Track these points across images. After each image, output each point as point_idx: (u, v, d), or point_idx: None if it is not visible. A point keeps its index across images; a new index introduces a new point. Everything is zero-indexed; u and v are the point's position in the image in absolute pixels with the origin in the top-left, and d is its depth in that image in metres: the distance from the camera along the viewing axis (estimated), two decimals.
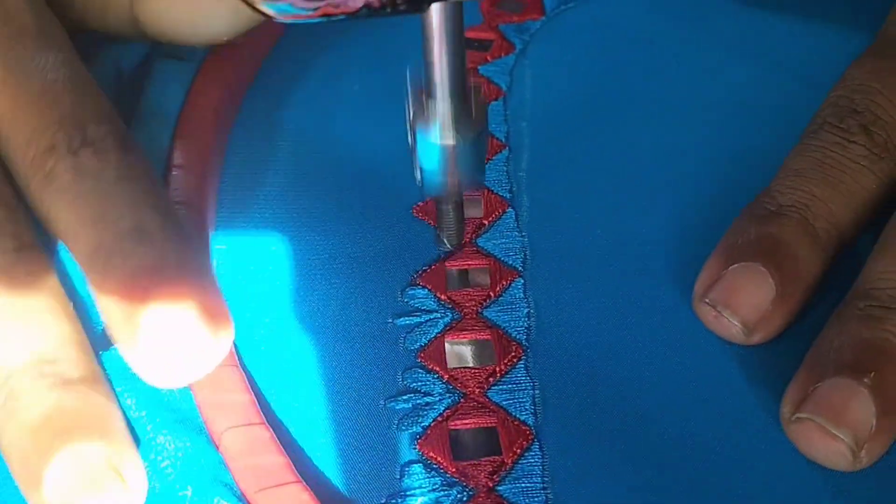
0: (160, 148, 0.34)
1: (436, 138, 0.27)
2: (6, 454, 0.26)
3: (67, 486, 0.24)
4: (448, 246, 0.31)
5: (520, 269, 0.32)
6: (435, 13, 0.25)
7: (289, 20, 0.24)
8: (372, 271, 0.32)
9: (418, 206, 0.34)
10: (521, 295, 0.32)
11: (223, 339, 0.25)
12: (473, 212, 0.34)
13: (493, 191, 0.35)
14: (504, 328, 0.31)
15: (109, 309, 0.26)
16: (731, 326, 0.29)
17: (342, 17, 0.23)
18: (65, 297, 0.28)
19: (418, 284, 0.32)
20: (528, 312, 0.31)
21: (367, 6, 0.23)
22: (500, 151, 0.36)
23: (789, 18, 0.42)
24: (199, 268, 0.27)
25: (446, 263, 0.32)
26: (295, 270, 0.33)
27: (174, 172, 0.32)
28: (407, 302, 0.32)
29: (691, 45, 0.41)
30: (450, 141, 0.27)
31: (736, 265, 0.30)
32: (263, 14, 0.24)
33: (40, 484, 0.24)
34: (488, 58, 0.40)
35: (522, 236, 0.33)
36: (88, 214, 0.27)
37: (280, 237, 0.34)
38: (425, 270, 0.32)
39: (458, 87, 0.26)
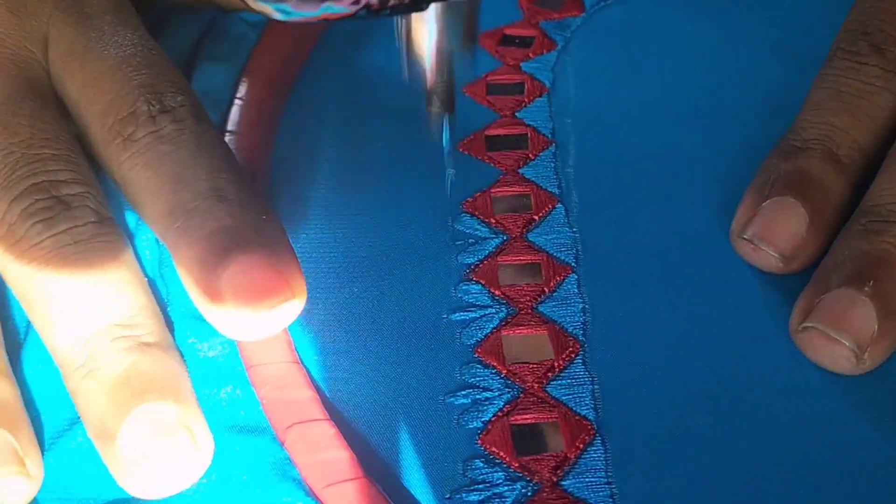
0: None
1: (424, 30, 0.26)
2: (84, 411, 0.27)
3: (142, 442, 0.25)
4: (438, 108, 0.29)
5: (573, 264, 0.32)
6: (435, 13, 0.25)
7: (288, 19, 0.24)
8: (425, 267, 0.32)
9: (468, 201, 0.34)
10: (576, 290, 0.32)
11: (298, 300, 0.27)
12: (523, 207, 0.34)
13: (541, 186, 0.35)
14: (560, 323, 0.31)
15: (187, 266, 0.27)
16: (769, 257, 0.31)
17: (341, 13, 0.24)
18: (139, 269, 0.29)
19: (472, 280, 0.32)
20: (584, 308, 0.31)
21: (367, 6, 0.23)
22: (547, 147, 0.36)
23: (828, 18, 0.42)
24: (274, 231, 0.28)
25: (499, 259, 0.32)
26: (347, 267, 0.33)
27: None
28: (461, 297, 0.32)
29: (729, 41, 0.41)
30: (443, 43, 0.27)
31: (768, 201, 0.31)
32: (262, 13, 0.24)
33: (115, 439, 0.25)
34: (530, 55, 0.40)
35: (574, 231, 0.33)
36: (168, 175, 0.28)
37: (330, 234, 0.34)
38: (478, 266, 0.32)
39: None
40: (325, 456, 0.27)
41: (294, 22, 0.24)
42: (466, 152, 0.36)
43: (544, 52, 0.40)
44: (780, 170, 0.32)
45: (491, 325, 0.31)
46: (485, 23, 0.31)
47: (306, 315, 0.30)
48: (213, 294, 0.27)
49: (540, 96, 0.38)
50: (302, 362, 0.29)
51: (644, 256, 0.33)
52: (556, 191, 0.35)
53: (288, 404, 0.28)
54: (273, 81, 0.38)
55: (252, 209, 0.28)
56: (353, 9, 0.23)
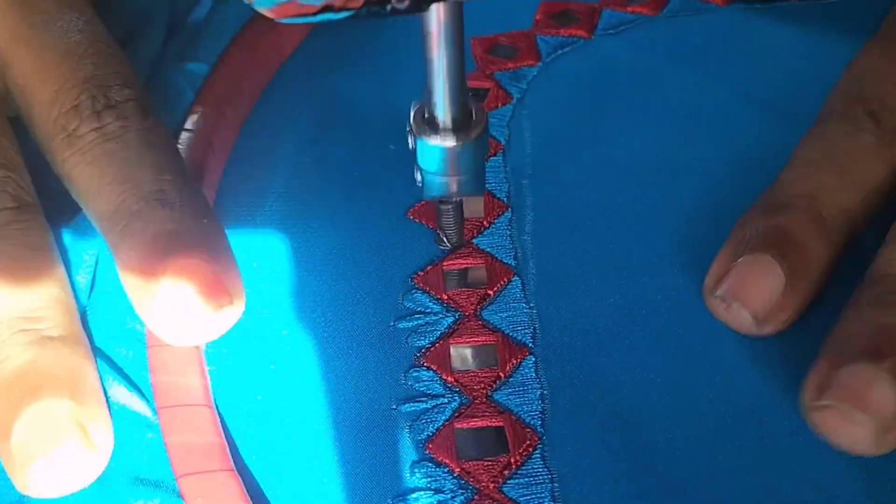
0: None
1: (436, 140, 0.27)
2: None
3: (32, 439, 0.25)
4: (448, 245, 0.32)
5: (530, 344, 0.31)
6: (434, 13, 0.25)
7: (286, 18, 0.23)
8: (373, 351, 0.31)
9: (419, 275, 0.32)
10: (533, 374, 0.30)
11: (236, 306, 0.27)
12: (476, 280, 0.32)
13: (497, 258, 0.33)
14: (517, 413, 0.29)
15: (128, 269, 0.27)
16: (742, 318, 0.29)
17: (342, 16, 0.23)
18: (56, 259, 0.29)
19: (423, 365, 0.30)
20: (542, 394, 0.29)
21: (367, 5, 0.23)
22: (503, 213, 0.34)
23: (785, 55, 0.40)
24: (215, 236, 0.28)
25: (451, 340, 0.30)
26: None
27: (182, 136, 0.34)
28: (411, 385, 0.30)
29: (692, 89, 0.39)
30: (450, 143, 0.27)
31: (744, 257, 0.29)
32: (260, 12, 0.23)
33: (9, 435, 0.25)
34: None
35: (531, 307, 0.31)
36: (112, 176, 0.28)
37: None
38: (429, 349, 0.30)
39: (458, 89, 0.26)
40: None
41: (293, 21, 0.23)
42: (416, 220, 0.34)
43: (499, 105, 0.38)
44: (759, 225, 0.30)
45: (443, 418, 0.29)
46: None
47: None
48: (152, 297, 0.26)
49: (495, 155, 0.36)
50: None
51: (607, 332, 0.31)
52: (513, 262, 0.33)
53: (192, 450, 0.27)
54: (240, 81, 0.37)
55: (194, 213, 0.28)
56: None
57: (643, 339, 0.30)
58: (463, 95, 0.27)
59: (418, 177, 0.29)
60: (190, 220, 0.27)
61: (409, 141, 0.29)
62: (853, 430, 0.26)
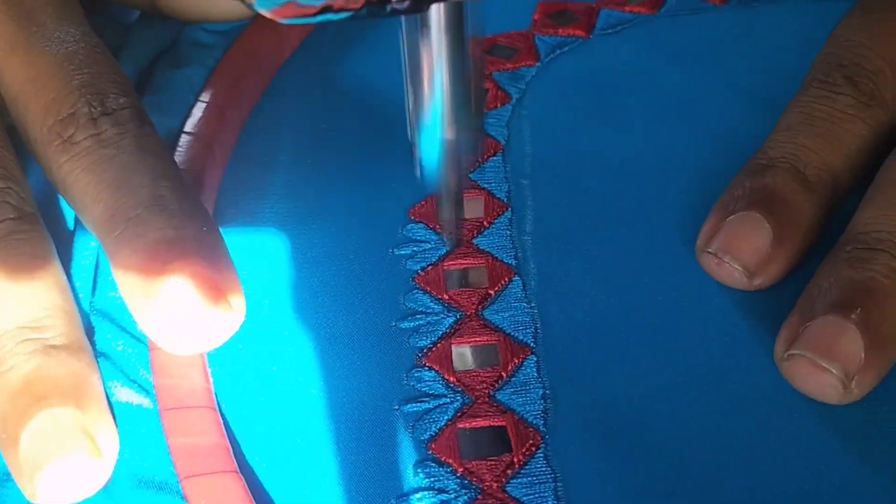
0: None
1: (436, 133, 0.27)
2: None
3: (40, 447, 0.25)
4: (448, 244, 0.32)
5: (531, 344, 0.31)
6: (435, 13, 0.25)
7: (286, 19, 0.23)
8: (374, 351, 0.31)
9: (419, 275, 0.32)
10: (535, 374, 0.30)
11: (236, 313, 0.27)
12: (477, 280, 0.32)
13: (497, 258, 0.33)
14: (519, 412, 0.29)
15: (126, 276, 0.27)
16: (733, 271, 0.31)
17: (342, 16, 0.23)
18: (58, 268, 0.29)
19: (424, 365, 0.30)
20: (544, 394, 0.29)
21: (367, 5, 0.23)
22: (503, 213, 0.34)
23: (784, 52, 0.40)
24: (214, 242, 0.28)
25: (453, 340, 0.30)
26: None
27: (182, 139, 0.34)
28: (413, 386, 0.30)
29: (690, 87, 0.39)
30: (451, 135, 0.27)
31: (733, 216, 0.31)
32: (259, 13, 0.23)
33: (17, 444, 0.25)
34: (484, 109, 0.38)
35: (532, 307, 0.31)
36: (109, 181, 0.28)
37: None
38: (431, 349, 0.30)
39: (459, 82, 0.26)
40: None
41: (293, 21, 0.23)
42: (417, 219, 0.34)
43: (498, 105, 0.38)
44: (746, 186, 0.32)
45: (445, 418, 0.29)
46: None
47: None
48: (151, 305, 0.26)
49: (494, 155, 0.36)
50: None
51: (609, 331, 0.31)
52: (513, 262, 0.33)
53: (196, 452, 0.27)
54: (240, 83, 0.37)
55: (193, 219, 0.28)
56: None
57: (646, 338, 0.31)
58: (464, 87, 0.27)
59: (418, 171, 0.29)
60: (189, 226, 0.27)
61: (409, 134, 0.28)
62: (821, 377, 0.28)
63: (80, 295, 0.31)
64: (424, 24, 0.25)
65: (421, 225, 0.34)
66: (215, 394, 0.29)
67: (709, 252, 0.31)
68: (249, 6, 0.23)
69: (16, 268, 0.27)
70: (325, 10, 0.23)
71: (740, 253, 0.31)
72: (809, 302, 0.29)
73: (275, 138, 0.37)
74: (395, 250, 0.33)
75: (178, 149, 0.34)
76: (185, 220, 0.27)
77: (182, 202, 0.28)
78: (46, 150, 0.29)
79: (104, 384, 0.28)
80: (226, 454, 0.27)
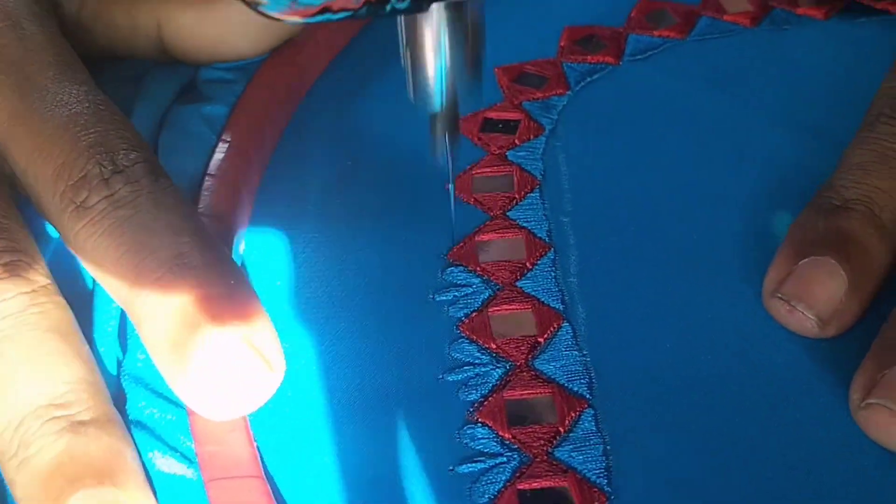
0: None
1: (430, 55, 0.26)
2: None
3: None
4: (440, 160, 0.30)
5: (587, 396, 0.29)
6: (435, 14, 0.25)
7: (286, 19, 0.23)
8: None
9: (464, 322, 0.31)
10: (594, 428, 0.28)
11: (277, 372, 0.26)
12: (525, 327, 0.31)
13: (543, 302, 0.31)
14: (581, 471, 0.27)
15: (156, 344, 0.26)
16: (805, 320, 0.30)
17: (342, 16, 0.23)
18: (79, 338, 0.28)
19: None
20: (605, 450, 0.28)
21: (367, 4, 0.23)
22: (546, 254, 0.33)
23: (820, 78, 0.39)
24: (245, 296, 0.26)
25: (505, 394, 0.29)
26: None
27: (206, 182, 0.32)
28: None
29: (724, 109, 0.38)
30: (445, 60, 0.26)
31: (807, 259, 0.30)
32: (259, 13, 0.23)
33: None
34: (516, 141, 0.37)
35: (584, 355, 0.30)
36: (126, 245, 0.27)
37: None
38: (482, 403, 0.29)
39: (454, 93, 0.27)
40: None
41: (292, 22, 0.23)
42: (456, 261, 0.33)
43: (531, 137, 0.37)
44: (819, 228, 0.30)
45: (503, 478, 0.27)
46: (463, 106, 0.28)
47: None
48: (185, 373, 0.25)
49: (531, 191, 0.35)
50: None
51: (669, 378, 0.29)
52: (560, 306, 0.31)
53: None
54: (262, 121, 0.36)
55: (220, 274, 0.26)
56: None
57: (707, 385, 0.29)
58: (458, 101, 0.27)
59: (411, 94, 0.28)
60: (216, 283, 0.26)
61: (402, 58, 0.27)
62: None
63: (106, 361, 0.29)
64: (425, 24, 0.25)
65: (461, 268, 0.32)
66: (264, 467, 0.27)
67: (779, 297, 0.30)
68: (256, 8, 0.23)
69: (33, 344, 0.26)
70: (325, 10, 0.23)
71: (814, 301, 0.29)
72: (885, 346, 0.28)
73: (300, 178, 0.36)
74: (436, 296, 0.32)
75: (203, 193, 0.32)
76: (212, 276, 0.26)
77: (206, 256, 0.27)
78: (61, 218, 0.28)
79: (142, 455, 0.27)
80: None
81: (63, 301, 0.28)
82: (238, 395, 0.25)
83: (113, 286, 0.27)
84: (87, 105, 0.29)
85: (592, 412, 0.29)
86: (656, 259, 0.33)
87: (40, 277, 0.28)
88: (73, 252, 0.28)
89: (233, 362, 0.25)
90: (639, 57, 0.40)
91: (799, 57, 0.40)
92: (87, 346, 0.28)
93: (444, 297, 0.32)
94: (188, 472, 0.27)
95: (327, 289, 0.32)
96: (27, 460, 0.25)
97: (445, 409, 0.29)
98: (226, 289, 0.26)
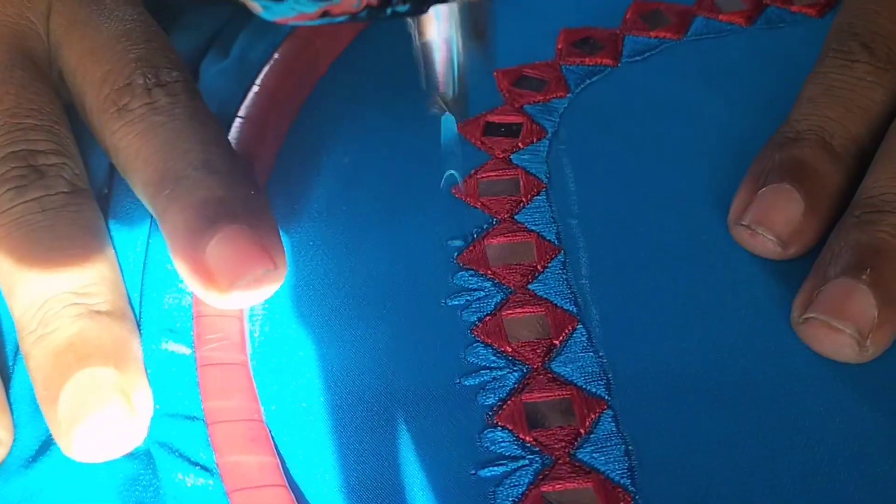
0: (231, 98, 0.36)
1: (440, 35, 0.26)
2: (32, 374, 0.27)
3: (78, 404, 0.26)
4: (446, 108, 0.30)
5: (606, 397, 0.29)
6: (435, 16, 0.25)
7: (286, 22, 0.24)
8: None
9: (477, 326, 0.31)
10: (614, 428, 0.28)
11: (280, 270, 0.28)
12: (539, 330, 0.31)
13: (557, 305, 0.31)
14: (604, 472, 0.27)
15: (173, 231, 0.28)
16: (767, 242, 0.32)
17: (342, 19, 0.24)
18: (107, 240, 0.30)
19: (497, 425, 0.28)
20: (627, 450, 0.28)
21: (367, 8, 0.23)
22: (556, 256, 0.33)
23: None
24: (260, 205, 0.29)
25: (523, 397, 0.29)
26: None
27: (236, 123, 0.34)
28: (488, 447, 0.28)
29: (724, 108, 0.38)
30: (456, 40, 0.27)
31: (765, 188, 0.32)
32: (259, 14, 0.24)
33: (56, 401, 0.26)
34: (520, 145, 0.37)
35: (601, 357, 0.30)
36: (160, 144, 0.29)
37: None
38: (501, 407, 0.29)
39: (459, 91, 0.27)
40: None
41: (293, 24, 0.24)
42: (466, 265, 0.32)
43: (534, 140, 0.37)
44: (775, 159, 0.32)
45: (526, 481, 0.27)
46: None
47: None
48: (198, 261, 0.27)
49: (538, 194, 0.35)
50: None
51: (685, 376, 0.30)
52: (574, 308, 0.31)
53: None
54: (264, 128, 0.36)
55: (241, 183, 0.29)
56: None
57: (725, 381, 0.29)
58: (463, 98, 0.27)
59: (423, 82, 0.28)
60: (237, 189, 0.28)
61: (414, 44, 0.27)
62: (836, 338, 0.29)
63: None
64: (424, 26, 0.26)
65: (471, 271, 0.32)
66: (287, 476, 0.27)
67: (742, 224, 0.32)
68: (256, 14, 0.24)
69: (66, 237, 0.29)
70: (325, 14, 0.23)
71: (774, 224, 0.31)
72: (822, 266, 0.30)
73: (303, 183, 0.35)
74: (448, 301, 0.32)
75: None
76: (234, 181, 0.28)
77: (231, 166, 0.29)
78: (101, 117, 0.30)
79: (168, 470, 0.27)
80: None
81: (97, 206, 0.30)
82: (244, 286, 0.27)
83: (140, 182, 0.29)
84: (139, 23, 0.32)
85: (612, 413, 0.29)
86: (665, 259, 0.33)
87: (80, 182, 0.30)
88: (106, 151, 0.31)
89: (242, 255, 0.27)
90: (637, 58, 0.40)
91: (796, 55, 0.40)
92: (112, 249, 0.30)
93: (457, 302, 0.32)
94: (210, 483, 0.26)
95: (338, 297, 0.32)
96: (44, 336, 0.27)
97: (464, 414, 0.29)
98: (244, 194, 0.28)
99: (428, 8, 0.24)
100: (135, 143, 0.29)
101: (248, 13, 0.38)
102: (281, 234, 0.32)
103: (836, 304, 0.29)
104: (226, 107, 0.36)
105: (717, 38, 0.41)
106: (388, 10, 0.24)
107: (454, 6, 0.26)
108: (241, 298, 0.28)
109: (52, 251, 0.28)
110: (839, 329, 0.29)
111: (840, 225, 0.31)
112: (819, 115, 0.33)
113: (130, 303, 0.30)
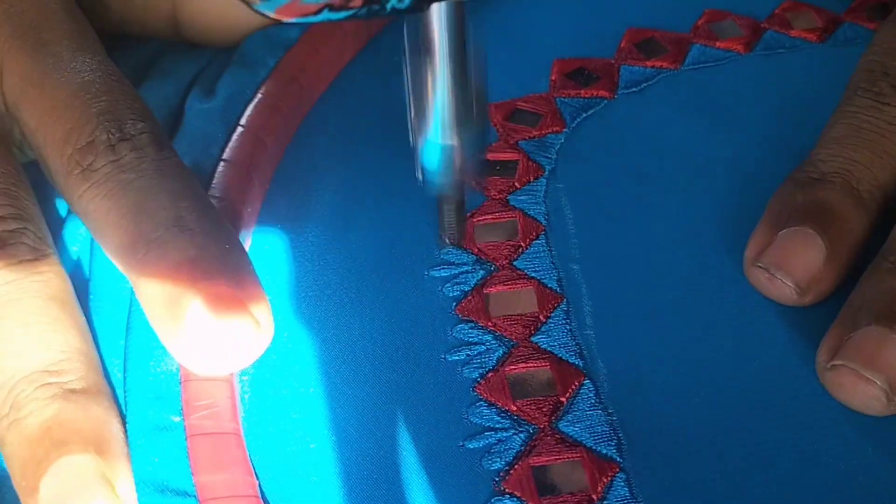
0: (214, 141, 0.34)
1: (437, 138, 0.27)
2: (8, 462, 0.26)
3: (60, 495, 0.25)
4: (448, 244, 0.31)
5: (617, 458, 0.28)
6: (435, 13, 0.25)
7: (286, 19, 0.23)
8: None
9: (480, 383, 0.29)
10: (627, 493, 0.27)
11: (265, 332, 0.27)
12: (545, 387, 0.29)
13: (562, 358, 0.30)
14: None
15: (150, 299, 0.27)
16: (784, 288, 0.30)
17: (342, 15, 0.23)
18: (76, 308, 0.29)
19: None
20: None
21: (367, 4, 0.23)
22: (559, 304, 0.31)
23: (816, 103, 0.38)
24: (238, 260, 0.27)
25: (531, 460, 0.28)
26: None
27: (220, 167, 0.33)
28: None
29: (724, 140, 0.37)
30: (451, 140, 0.27)
31: (786, 229, 0.30)
32: (259, 13, 0.23)
33: (37, 492, 0.25)
34: (516, 184, 0.35)
35: (609, 414, 0.29)
36: (128, 206, 0.27)
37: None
38: (509, 472, 0.27)
39: (460, 87, 0.26)
40: None
41: (292, 22, 0.23)
42: (465, 316, 0.31)
43: (531, 179, 0.35)
44: (798, 199, 0.31)
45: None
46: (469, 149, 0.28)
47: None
48: (177, 328, 0.26)
49: (537, 238, 0.33)
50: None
51: (699, 434, 0.28)
52: (579, 362, 0.30)
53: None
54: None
55: (215, 238, 0.27)
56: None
57: (740, 438, 0.28)
58: (465, 91, 0.26)
59: (419, 175, 0.28)
60: (211, 246, 0.27)
61: (411, 138, 0.28)
62: (864, 388, 0.27)
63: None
64: (426, 25, 0.25)
65: (471, 324, 0.31)
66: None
67: (759, 266, 0.31)
68: (251, 6, 0.23)
69: (33, 310, 0.27)
70: (325, 8, 0.23)
71: (792, 269, 0.30)
72: (852, 313, 0.29)
73: (290, 231, 0.34)
74: (447, 356, 0.30)
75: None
76: (207, 238, 0.27)
77: (202, 221, 0.27)
78: (67, 180, 0.29)
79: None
80: None
81: (64, 272, 0.29)
82: (227, 350, 0.26)
83: (112, 247, 0.28)
84: (99, 74, 0.30)
85: (624, 476, 0.27)
86: (671, 303, 0.31)
87: (44, 247, 0.29)
88: (76, 214, 0.29)
89: (220, 319, 0.26)
90: (633, 89, 0.39)
91: (796, 82, 0.39)
92: (83, 317, 0.29)
93: (457, 357, 0.30)
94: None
95: (332, 352, 0.30)
96: (18, 421, 0.26)
97: (470, 481, 0.27)
98: (219, 251, 0.27)
99: (428, 6, 0.24)
100: (103, 205, 0.28)
101: (229, 55, 0.37)
102: (267, 284, 0.31)
103: (867, 353, 0.28)
104: (210, 148, 0.34)
105: (715, 66, 0.39)
106: (388, 6, 0.23)
107: (454, 6, 0.25)
108: (228, 364, 0.26)
109: (18, 327, 0.27)
110: (868, 379, 0.27)
111: (872, 270, 0.30)
112: (846, 158, 0.32)
113: (106, 373, 0.29)
